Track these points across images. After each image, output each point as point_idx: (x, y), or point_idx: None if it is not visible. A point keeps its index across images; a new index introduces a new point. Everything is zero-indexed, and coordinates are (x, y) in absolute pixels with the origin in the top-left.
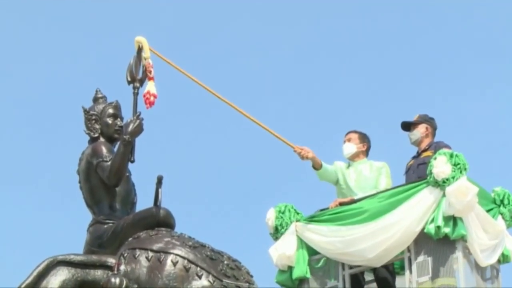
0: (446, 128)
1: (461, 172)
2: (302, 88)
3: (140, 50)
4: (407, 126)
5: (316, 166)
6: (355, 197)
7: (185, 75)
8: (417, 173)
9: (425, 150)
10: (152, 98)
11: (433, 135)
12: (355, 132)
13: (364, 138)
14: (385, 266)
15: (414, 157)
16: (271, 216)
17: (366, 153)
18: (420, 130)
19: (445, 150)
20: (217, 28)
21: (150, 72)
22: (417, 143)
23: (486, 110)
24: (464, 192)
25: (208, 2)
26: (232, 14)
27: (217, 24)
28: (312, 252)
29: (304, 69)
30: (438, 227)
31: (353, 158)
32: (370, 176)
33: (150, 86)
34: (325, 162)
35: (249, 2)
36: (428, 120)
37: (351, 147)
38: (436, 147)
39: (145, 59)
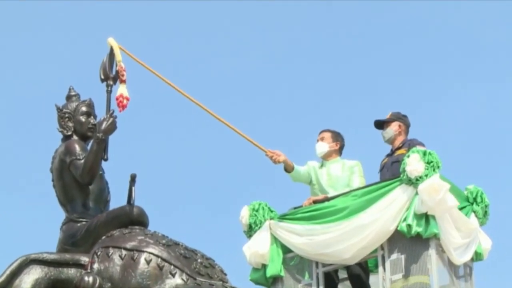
0: (421, 127)
1: (434, 170)
2: (276, 87)
3: (112, 51)
4: (380, 124)
5: (288, 169)
6: (328, 195)
7: (157, 76)
8: (391, 171)
9: (399, 148)
10: (125, 101)
11: (406, 132)
12: (328, 131)
13: (337, 137)
14: (358, 263)
15: (388, 155)
16: (245, 214)
17: (339, 152)
18: (393, 128)
19: (418, 147)
20: (190, 31)
21: (123, 75)
22: (390, 141)
23: (460, 109)
24: (436, 189)
25: (180, 4)
26: (203, 15)
27: (190, 27)
28: (286, 250)
29: (278, 69)
30: (409, 226)
31: (326, 157)
32: (342, 175)
33: (122, 89)
34: (298, 163)
35: (221, 4)
36: (401, 117)
37: (323, 146)
38: (410, 144)
39: (117, 62)
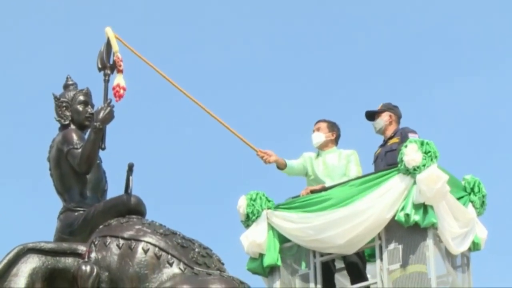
0: (417, 117)
1: (431, 160)
2: (273, 77)
3: (109, 40)
4: (371, 116)
5: (281, 167)
6: (325, 185)
7: (152, 68)
8: (385, 161)
9: (391, 138)
10: (121, 91)
11: (398, 122)
12: (324, 121)
13: (333, 127)
14: (355, 252)
15: (381, 146)
16: (242, 204)
17: (335, 141)
18: (384, 118)
19: (414, 137)
20: (185, 24)
21: (120, 66)
22: (381, 131)
23: (458, 99)
24: (435, 180)
25: None
26: (198, 9)
27: (184, 19)
28: (283, 239)
29: (272, 60)
30: (407, 215)
31: (322, 147)
32: (338, 164)
33: (119, 79)
34: (294, 154)
35: None
36: (391, 108)
37: (319, 136)
38: (402, 133)
39: (114, 53)
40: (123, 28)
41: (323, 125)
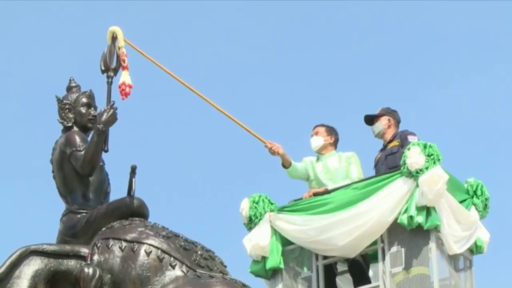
0: (420, 120)
1: (434, 162)
2: (273, 82)
3: (114, 39)
4: (370, 120)
5: (286, 164)
6: (328, 188)
7: (158, 66)
8: (386, 165)
9: (390, 141)
10: (127, 89)
11: (397, 126)
12: (322, 125)
13: (331, 131)
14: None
15: (381, 150)
16: (245, 206)
17: (334, 145)
18: (382, 122)
19: (413, 139)
20: (190, 19)
21: (124, 61)
22: (380, 135)
23: (460, 102)
24: (436, 180)
25: None
26: (204, 5)
27: (190, 16)
28: (286, 242)
29: (276, 63)
30: (411, 217)
31: (321, 151)
32: (339, 167)
33: (124, 77)
34: (294, 160)
35: None
36: (390, 112)
37: (318, 140)
38: (401, 135)
39: (119, 48)
40: (127, 28)
41: (321, 129)
